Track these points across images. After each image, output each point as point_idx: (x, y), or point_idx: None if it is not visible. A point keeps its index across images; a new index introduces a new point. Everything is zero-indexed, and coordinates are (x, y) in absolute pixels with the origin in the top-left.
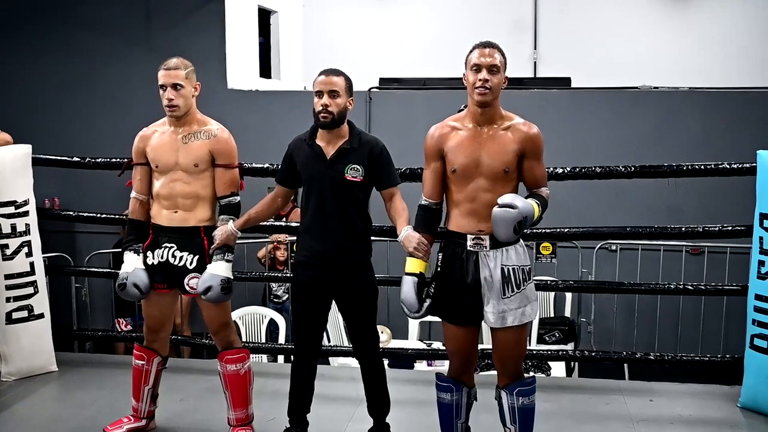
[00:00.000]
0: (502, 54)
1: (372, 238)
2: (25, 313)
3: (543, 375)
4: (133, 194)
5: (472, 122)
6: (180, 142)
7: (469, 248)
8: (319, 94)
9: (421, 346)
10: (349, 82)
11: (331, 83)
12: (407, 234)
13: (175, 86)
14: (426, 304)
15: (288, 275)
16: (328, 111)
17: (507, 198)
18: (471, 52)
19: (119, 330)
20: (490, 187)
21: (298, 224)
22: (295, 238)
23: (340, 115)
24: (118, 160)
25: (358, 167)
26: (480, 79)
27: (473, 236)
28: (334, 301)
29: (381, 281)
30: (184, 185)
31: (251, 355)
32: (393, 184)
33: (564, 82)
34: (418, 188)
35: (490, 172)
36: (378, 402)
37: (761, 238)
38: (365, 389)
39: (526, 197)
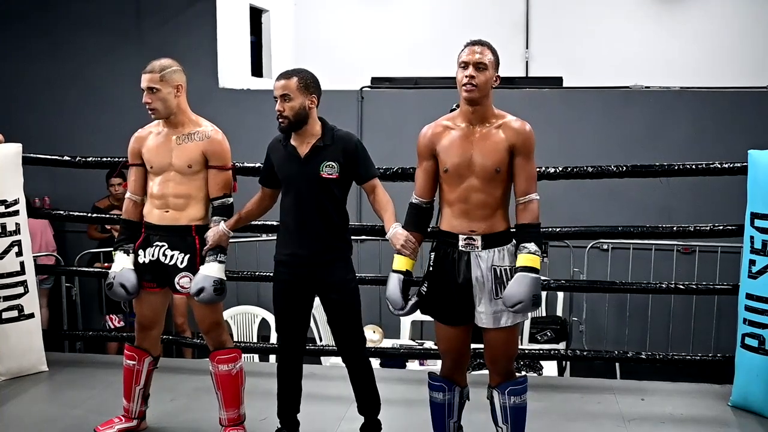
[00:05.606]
0: (493, 52)
1: (364, 237)
2: (15, 313)
3: (535, 374)
4: (127, 194)
5: (465, 121)
6: (174, 143)
7: (460, 248)
8: (275, 99)
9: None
10: (304, 80)
11: (281, 87)
12: (395, 232)
13: (150, 89)
14: (411, 302)
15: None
16: (282, 116)
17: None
18: (462, 50)
19: (110, 327)
20: (482, 187)
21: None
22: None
23: (296, 117)
24: (108, 159)
25: (333, 164)
26: (466, 76)
27: (465, 236)
28: (318, 300)
29: (373, 280)
30: (176, 185)
31: (243, 355)
32: (372, 176)
33: (556, 82)
34: (409, 187)
35: (482, 172)
36: (367, 401)
37: (752, 238)
38: (354, 389)
39: (517, 245)
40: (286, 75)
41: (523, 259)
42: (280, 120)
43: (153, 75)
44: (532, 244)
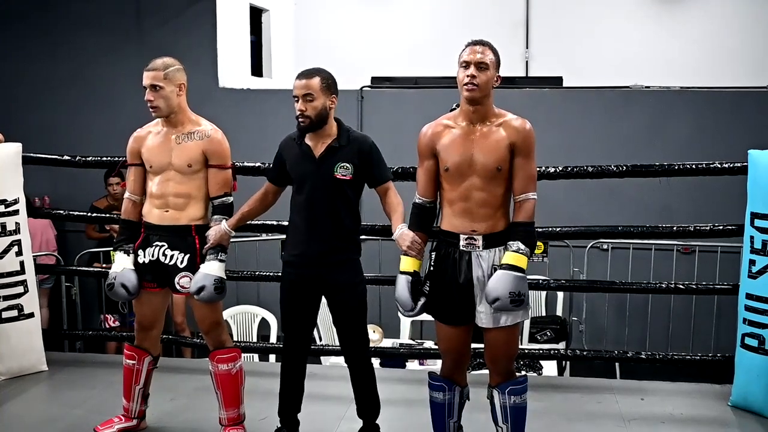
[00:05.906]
0: (494, 52)
1: (364, 237)
2: (15, 313)
3: (535, 374)
4: (126, 194)
5: (466, 120)
6: (173, 142)
7: (461, 248)
8: (296, 98)
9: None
10: (326, 81)
11: (304, 87)
12: (401, 233)
13: (153, 87)
14: (420, 303)
15: (277, 274)
16: (304, 116)
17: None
18: (463, 49)
19: (107, 326)
20: (483, 185)
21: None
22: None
23: (318, 117)
24: (108, 158)
25: (348, 165)
26: (467, 75)
27: (466, 236)
28: (324, 300)
29: (373, 280)
30: (176, 185)
31: (242, 355)
32: (385, 179)
33: (556, 82)
34: (409, 187)
35: (483, 171)
36: (367, 404)
37: (752, 238)
38: (354, 391)
39: (508, 243)
40: (307, 74)
41: (507, 257)
42: (300, 120)
43: (157, 73)
44: (519, 242)
